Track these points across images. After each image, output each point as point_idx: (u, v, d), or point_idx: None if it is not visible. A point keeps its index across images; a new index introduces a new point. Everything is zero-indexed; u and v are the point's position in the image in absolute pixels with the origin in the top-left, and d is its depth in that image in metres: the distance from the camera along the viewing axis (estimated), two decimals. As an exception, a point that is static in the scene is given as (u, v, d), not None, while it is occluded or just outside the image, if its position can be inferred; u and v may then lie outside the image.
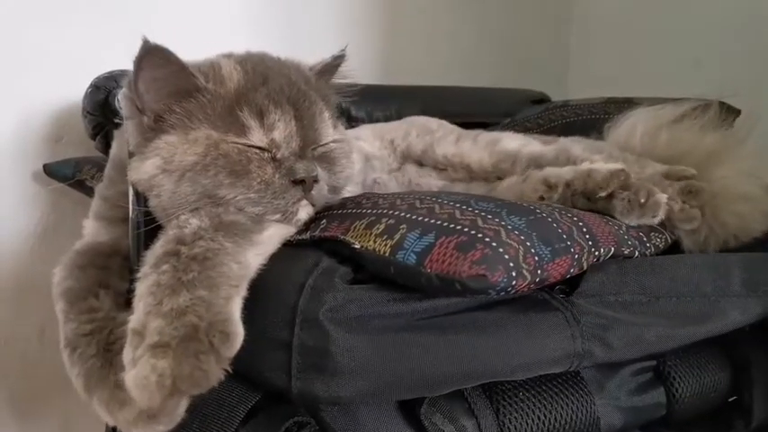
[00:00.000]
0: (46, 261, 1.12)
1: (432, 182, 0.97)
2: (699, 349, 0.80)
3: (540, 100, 1.40)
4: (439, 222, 0.59)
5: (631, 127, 0.91)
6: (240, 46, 1.31)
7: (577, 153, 0.88)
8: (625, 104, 1.12)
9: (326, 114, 0.71)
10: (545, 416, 0.67)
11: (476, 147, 0.94)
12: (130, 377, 0.53)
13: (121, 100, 0.68)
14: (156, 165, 0.64)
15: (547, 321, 0.64)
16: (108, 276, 0.71)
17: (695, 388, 0.78)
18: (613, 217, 0.75)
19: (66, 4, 1.13)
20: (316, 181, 0.67)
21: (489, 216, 0.60)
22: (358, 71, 1.55)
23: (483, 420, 0.65)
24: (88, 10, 1.15)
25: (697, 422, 0.80)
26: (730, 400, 0.83)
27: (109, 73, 0.92)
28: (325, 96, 0.74)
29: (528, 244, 0.58)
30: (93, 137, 0.96)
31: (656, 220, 0.74)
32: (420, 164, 1.01)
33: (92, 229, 0.79)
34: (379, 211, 0.64)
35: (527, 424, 0.66)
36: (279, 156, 0.66)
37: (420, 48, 1.65)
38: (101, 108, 0.90)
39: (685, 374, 0.78)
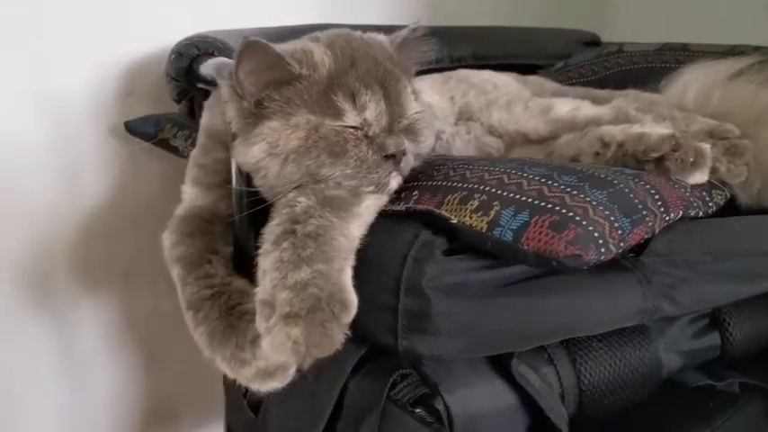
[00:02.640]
0: (126, 213, 1.22)
1: (494, 143, 1.01)
2: (751, 299, 0.86)
3: (592, 42, 1.41)
4: (530, 200, 0.64)
5: (685, 85, 0.94)
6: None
7: (632, 113, 0.91)
8: (681, 51, 1.14)
9: (409, 89, 0.75)
10: (615, 362, 0.75)
11: (528, 114, 0.97)
12: (267, 343, 0.61)
13: (221, 86, 0.72)
14: (262, 149, 0.70)
15: (622, 282, 0.70)
16: (215, 242, 0.78)
17: (747, 331, 0.85)
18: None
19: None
20: (404, 153, 0.72)
21: (575, 192, 0.65)
22: (405, 14, 1.57)
23: (561, 369, 0.73)
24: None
25: (747, 360, 0.88)
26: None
27: (189, 39, 0.96)
28: (406, 69, 0.78)
29: (612, 219, 0.64)
30: (179, 101, 1.01)
31: (705, 178, 0.78)
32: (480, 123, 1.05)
33: (190, 195, 0.85)
34: (471, 186, 0.69)
35: (600, 370, 0.74)
36: (371, 133, 0.71)
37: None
38: (185, 74, 0.95)
39: (739, 320, 0.85)
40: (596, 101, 1.05)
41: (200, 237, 0.78)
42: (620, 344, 0.76)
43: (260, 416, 0.75)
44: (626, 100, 1.00)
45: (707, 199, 0.79)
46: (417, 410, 0.67)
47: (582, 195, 0.65)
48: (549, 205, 0.63)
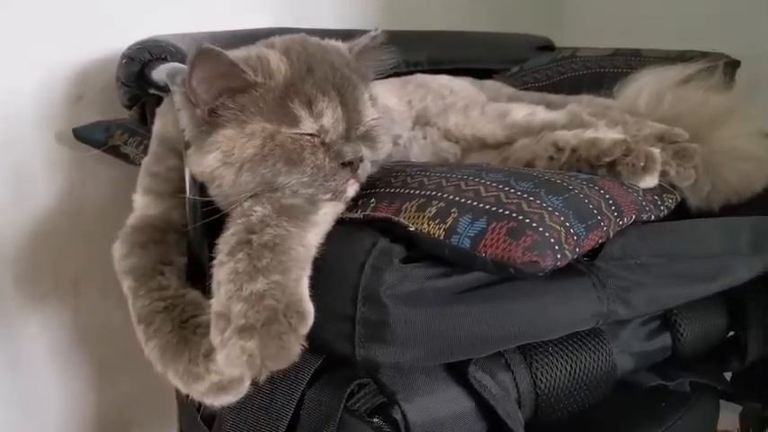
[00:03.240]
0: (75, 220, 1.18)
1: (451, 148, 1.01)
2: (701, 299, 0.88)
3: (545, 47, 1.43)
4: (488, 207, 0.64)
5: (637, 90, 0.96)
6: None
7: (586, 118, 0.93)
8: (633, 57, 1.17)
9: (367, 95, 0.75)
10: (570, 366, 0.76)
11: (485, 119, 0.98)
12: (221, 357, 0.59)
13: (174, 93, 0.71)
14: (216, 158, 0.68)
15: (577, 286, 0.71)
16: (168, 253, 0.76)
17: (698, 332, 0.88)
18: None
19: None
20: (361, 160, 0.72)
21: (531, 198, 0.66)
22: (362, 17, 1.57)
23: (518, 374, 0.74)
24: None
25: (697, 360, 0.90)
26: (729, 335, 0.93)
27: (140, 43, 0.94)
28: (365, 76, 0.77)
29: (567, 224, 0.64)
30: (130, 107, 0.98)
31: (655, 182, 0.80)
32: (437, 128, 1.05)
33: (142, 204, 0.83)
34: (428, 193, 0.69)
35: (555, 375, 0.75)
36: (328, 140, 0.70)
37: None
38: (136, 80, 0.92)
39: (689, 321, 0.87)
40: (551, 105, 1.07)
41: (153, 247, 0.76)
42: (575, 348, 0.77)
43: (214, 430, 0.74)
44: (580, 105, 1.02)
45: (658, 202, 0.81)
46: (375, 420, 0.67)
47: (538, 201, 0.66)
48: (507, 212, 0.63)
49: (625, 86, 0.98)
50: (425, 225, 0.65)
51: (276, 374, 0.70)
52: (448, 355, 0.68)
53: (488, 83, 1.26)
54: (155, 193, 0.82)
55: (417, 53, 1.40)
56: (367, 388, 0.69)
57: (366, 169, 0.73)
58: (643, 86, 0.96)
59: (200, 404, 0.69)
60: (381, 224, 0.69)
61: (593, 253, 0.74)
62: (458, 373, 0.70)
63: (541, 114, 1.00)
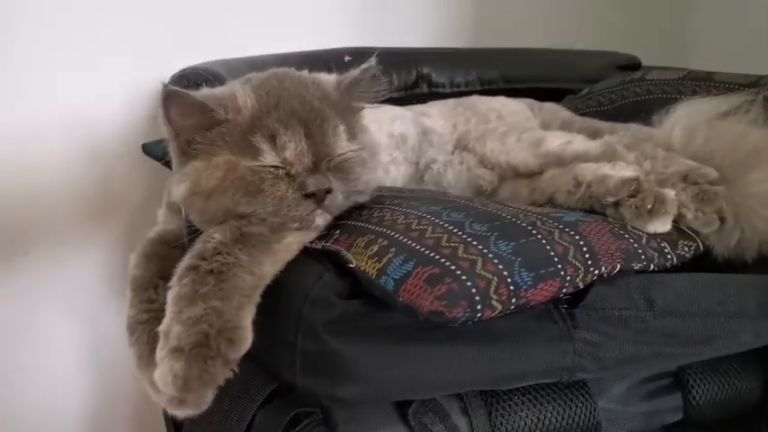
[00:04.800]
0: (147, 225, 1.30)
1: (486, 175, 0.99)
2: (728, 358, 0.79)
3: (627, 66, 1.33)
4: (422, 249, 0.63)
5: (672, 123, 0.87)
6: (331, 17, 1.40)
7: (619, 150, 0.87)
8: (703, 81, 1.06)
9: (341, 128, 0.75)
10: (539, 419, 0.72)
11: (519, 146, 0.95)
12: (156, 374, 0.64)
13: (164, 124, 0.77)
14: (186, 188, 0.73)
15: (541, 334, 0.67)
16: (168, 267, 0.81)
17: (717, 395, 0.79)
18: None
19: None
20: (329, 192, 0.73)
21: (475, 242, 0.64)
22: (448, 35, 1.56)
23: (475, 420, 0.70)
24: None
25: (719, 425, 0.80)
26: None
27: (182, 71, 1.02)
28: (346, 109, 0.78)
29: (505, 273, 0.61)
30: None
31: (665, 227, 0.73)
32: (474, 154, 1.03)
33: (163, 217, 0.91)
34: (380, 230, 0.69)
35: (519, 426, 0.71)
36: (293, 172, 0.73)
37: (514, 10, 1.61)
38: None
39: (706, 382, 0.78)
40: (597, 134, 1.01)
41: (157, 261, 0.83)
42: (546, 399, 0.72)
43: (181, 436, 0.79)
44: (621, 135, 0.95)
45: (666, 250, 0.74)
46: (315, 451, 0.68)
47: (480, 247, 0.63)
48: (437, 257, 0.62)
49: (665, 118, 0.90)
50: (364, 262, 0.65)
51: (235, 394, 0.74)
52: (387, 395, 0.67)
53: (547, 105, 1.20)
54: (173, 210, 0.89)
55: (491, 71, 1.38)
56: (313, 416, 0.70)
57: (336, 200, 0.74)
58: (678, 119, 0.87)
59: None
60: (334, 257, 0.70)
61: (575, 300, 0.70)
62: (406, 411, 0.69)
63: (576, 144, 0.95)
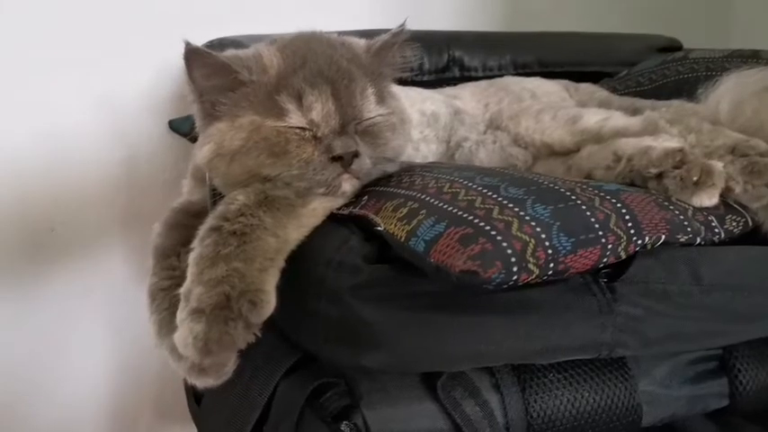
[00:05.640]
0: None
1: (520, 154, 0.96)
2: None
3: (668, 48, 1.28)
4: (455, 211, 0.60)
5: (719, 96, 0.83)
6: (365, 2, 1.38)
7: (661, 125, 0.82)
8: (750, 59, 1.01)
9: (370, 90, 0.73)
10: (575, 398, 0.68)
11: (555, 123, 0.91)
12: (176, 336, 0.62)
13: (186, 85, 0.75)
14: (210, 150, 0.71)
15: (579, 306, 0.63)
16: (191, 237, 0.79)
17: (765, 382, 0.73)
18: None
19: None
20: (356, 156, 0.70)
21: (511, 204, 0.60)
22: (482, 19, 1.53)
23: (508, 398, 0.67)
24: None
25: (762, 416, 0.76)
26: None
27: (209, 43, 1.00)
28: (375, 72, 0.75)
29: (543, 236, 0.57)
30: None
31: (713, 200, 0.68)
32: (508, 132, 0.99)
33: (188, 188, 0.89)
34: (410, 193, 0.66)
35: (555, 405, 0.67)
36: (319, 134, 0.70)
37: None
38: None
39: (754, 368, 0.74)
40: (638, 112, 0.96)
41: (180, 230, 0.81)
42: (583, 377, 0.68)
43: (200, 408, 0.77)
44: (663, 111, 0.90)
45: (713, 224, 0.69)
46: (336, 423, 0.64)
47: (517, 209, 0.60)
48: (470, 217, 0.58)
49: (710, 91, 0.85)
50: (392, 225, 0.62)
51: (257, 364, 0.71)
52: (414, 365, 0.64)
53: (583, 86, 1.16)
54: (197, 179, 0.87)
55: (526, 54, 1.34)
56: (337, 387, 0.67)
57: (364, 165, 0.71)
58: (724, 92, 0.83)
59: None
60: (361, 221, 0.67)
61: (615, 273, 0.66)
62: (433, 383, 0.66)
63: (615, 120, 0.90)
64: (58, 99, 1.19)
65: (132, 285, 1.30)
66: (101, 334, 1.34)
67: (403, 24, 0.77)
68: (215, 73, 0.70)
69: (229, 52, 0.73)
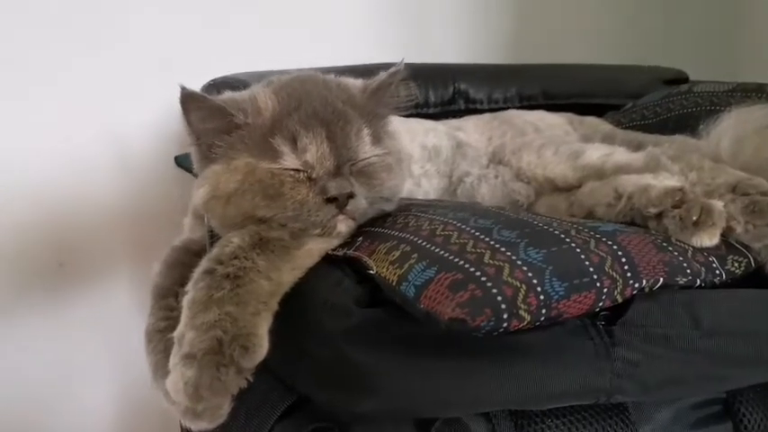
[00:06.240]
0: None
1: (522, 189, 0.95)
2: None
3: (674, 80, 1.28)
4: (447, 255, 0.59)
5: (719, 133, 0.82)
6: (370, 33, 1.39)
7: (663, 161, 0.81)
8: (755, 93, 1.00)
9: (365, 131, 0.73)
10: (574, 445, 0.66)
11: (557, 158, 0.91)
12: (168, 381, 0.62)
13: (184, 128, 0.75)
14: (206, 192, 0.72)
15: (575, 351, 0.61)
16: (190, 276, 0.80)
17: (771, 427, 0.71)
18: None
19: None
20: (351, 196, 0.70)
21: (503, 248, 0.59)
22: (486, 52, 1.54)
23: (504, 443, 0.66)
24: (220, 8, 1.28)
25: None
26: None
27: (213, 80, 1.02)
28: (371, 113, 0.75)
29: (534, 282, 0.57)
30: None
31: (713, 241, 0.67)
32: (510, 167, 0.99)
33: (188, 226, 0.89)
34: (404, 235, 0.65)
35: (552, 451, 0.66)
36: (314, 175, 0.70)
37: (555, 25, 1.58)
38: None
39: (759, 412, 0.71)
40: (641, 147, 0.96)
41: (179, 269, 0.81)
42: (583, 425, 0.66)
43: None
44: (666, 147, 0.90)
45: (714, 265, 0.68)
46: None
47: (509, 253, 0.59)
48: (461, 262, 0.58)
49: (711, 127, 0.85)
50: (385, 269, 0.62)
51: (252, 407, 0.71)
52: (407, 411, 0.63)
53: (589, 119, 1.16)
54: (197, 217, 0.87)
55: (531, 87, 1.34)
56: (332, 432, 0.67)
57: (359, 206, 0.71)
58: (726, 129, 0.82)
59: (183, 423, 0.71)
60: (355, 264, 0.67)
61: (614, 317, 0.65)
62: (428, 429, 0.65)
63: (617, 156, 0.90)
64: (70, 135, 1.21)
65: (139, 316, 1.29)
66: (108, 364, 1.34)
67: (400, 63, 0.77)
68: (210, 116, 0.70)
69: (226, 95, 0.74)
